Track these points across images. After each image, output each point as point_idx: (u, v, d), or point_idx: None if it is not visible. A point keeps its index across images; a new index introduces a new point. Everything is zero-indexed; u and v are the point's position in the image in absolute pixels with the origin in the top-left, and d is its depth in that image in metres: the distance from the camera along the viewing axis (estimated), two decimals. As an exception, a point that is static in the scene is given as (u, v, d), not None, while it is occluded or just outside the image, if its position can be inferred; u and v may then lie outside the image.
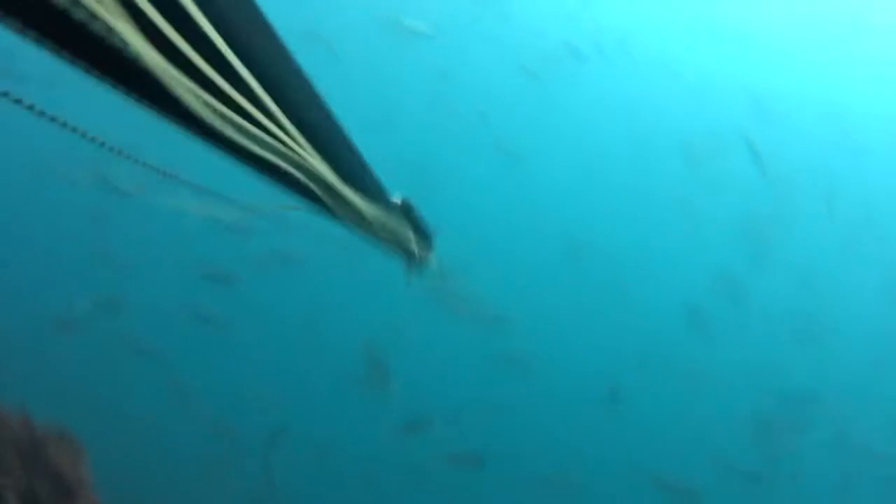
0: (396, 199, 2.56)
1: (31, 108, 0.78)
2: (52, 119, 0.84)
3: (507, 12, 26.57)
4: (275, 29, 1.09)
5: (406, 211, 2.48)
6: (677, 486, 18.16)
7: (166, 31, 0.81)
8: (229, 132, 0.97)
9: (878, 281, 19.97)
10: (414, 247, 2.42)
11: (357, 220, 1.71)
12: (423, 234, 2.59)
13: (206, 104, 0.90)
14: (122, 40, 0.70)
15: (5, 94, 0.76)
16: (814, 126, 24.53)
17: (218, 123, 0.93)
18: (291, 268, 18.03)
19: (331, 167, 1.35)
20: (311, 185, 1.27)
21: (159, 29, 0.82)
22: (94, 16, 0.65)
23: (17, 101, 0.76)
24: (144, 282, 19.23)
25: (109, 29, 0.68)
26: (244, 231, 15.08)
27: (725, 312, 20.72)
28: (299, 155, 1.14)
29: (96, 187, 16.87)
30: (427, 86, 24.46)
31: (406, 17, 17.09)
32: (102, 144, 1.04)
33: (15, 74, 13.25)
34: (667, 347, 22.07)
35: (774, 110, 19.57)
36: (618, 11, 25.50)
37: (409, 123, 24.20)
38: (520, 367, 19.61)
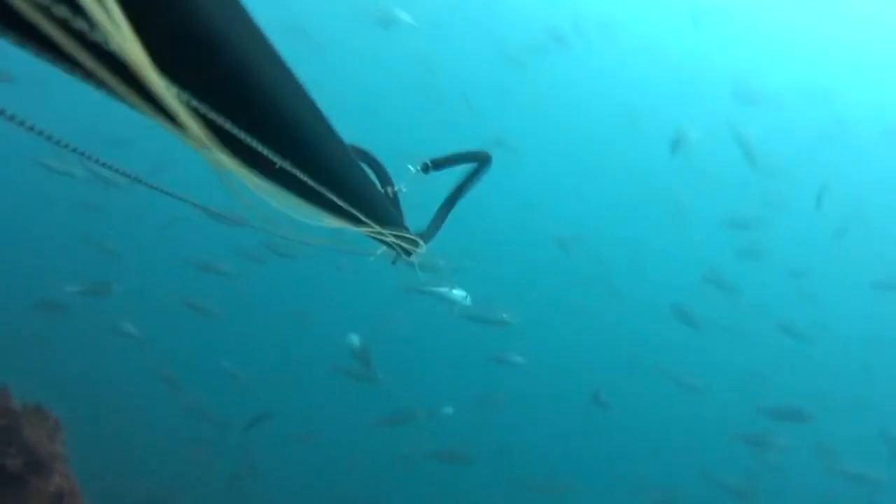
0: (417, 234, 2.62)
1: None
2: (23, 124, 0.80)
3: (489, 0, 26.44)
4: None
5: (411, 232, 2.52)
6: (659, 493, 18.23)
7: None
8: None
9: (868, 279, 19.90)
10: (404, 243, 2.39)
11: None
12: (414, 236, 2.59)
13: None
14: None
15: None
16: (804, 114, 24.40)
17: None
18: (281, 259, 18.06)
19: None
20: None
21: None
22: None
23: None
24: (134, 269, 19.29)
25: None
26: (234, 223, 15.07)
27: (714, 314, 20.64)
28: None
29: (90, 177, 16.92)
30: (411, 75, 24.39)
31: (388, 7, 17.06)
32: (76, 150, 1.01)
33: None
34: (654, 350, 22.08)
35: (763, 98, 19.53)
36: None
37: (393, 113, 24.16)
38: (507, 366, 19.65)
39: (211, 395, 16.34)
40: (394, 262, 2.58)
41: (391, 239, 2.27)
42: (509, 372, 18.17)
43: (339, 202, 1.64)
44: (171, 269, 19.36)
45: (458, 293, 13.06)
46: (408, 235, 2.51)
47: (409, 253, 2.54)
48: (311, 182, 1.38)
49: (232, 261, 18.91)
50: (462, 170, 2.89)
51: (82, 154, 1.04)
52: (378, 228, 2.11)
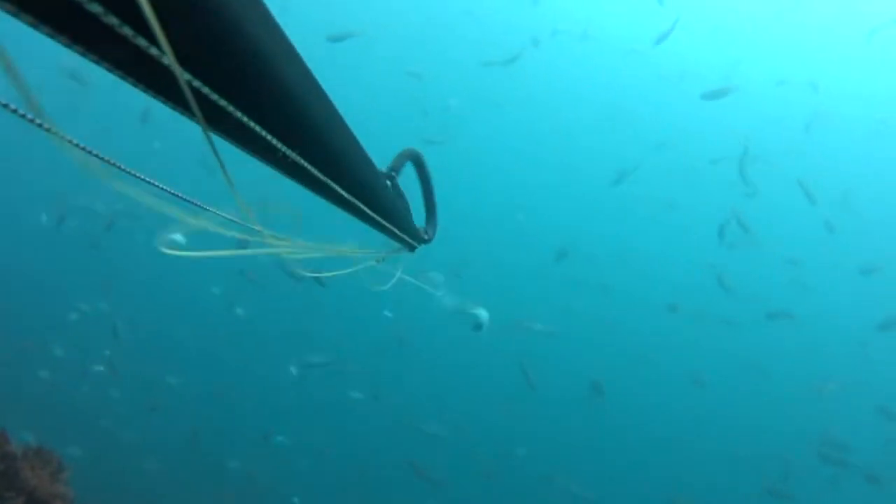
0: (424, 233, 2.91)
1: (31, 119, 0.76)
2: (52, 132, 0.81)
3: (469, 7, 26.48)
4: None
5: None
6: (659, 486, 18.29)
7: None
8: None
9: (858, 267, 19.91)
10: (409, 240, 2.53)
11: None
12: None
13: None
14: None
15: (5, 106, 0.75)
16: (786, 107, 24.37)
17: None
18: (282, 281, 18.11)
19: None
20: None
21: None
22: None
23: (14, 111, 0.75)
24: (134, 303, 19.37)
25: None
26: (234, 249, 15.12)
27: (709, 307, 20.62)
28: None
29: (91, 212, 17.01)
30: (394, 85, 24.43)
31: (370, 20, 17.05)
32: (108, 161, 1.00)
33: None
34: (656, 347, 22.08)
35: (745, 92, 19.55)
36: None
37: (378, 124, 24.15)
38: (509, 369, 19.69)
39: (212, 423, 16.36)
40: (378, 262, 2.62)
41: (407, 239, 2.43)
42: (518, 378, 18.18)
43: (379, 218, 1.85)
44: (163, 298, 19.47)
45: (481, 312, 13.47)
46: (421, 236, 2.78)
47: (413, 249, 2.72)
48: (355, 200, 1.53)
49: (233, 287, 19.01)
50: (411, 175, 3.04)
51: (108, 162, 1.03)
52: (402, 235, 2.32)
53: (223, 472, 15.12)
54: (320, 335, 20.36)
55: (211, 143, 0.86)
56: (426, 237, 2.96)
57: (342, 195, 1.47)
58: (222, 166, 0.92)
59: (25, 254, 21.15)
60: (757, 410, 20.98)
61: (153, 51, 0.70)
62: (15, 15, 0.62)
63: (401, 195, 2.63)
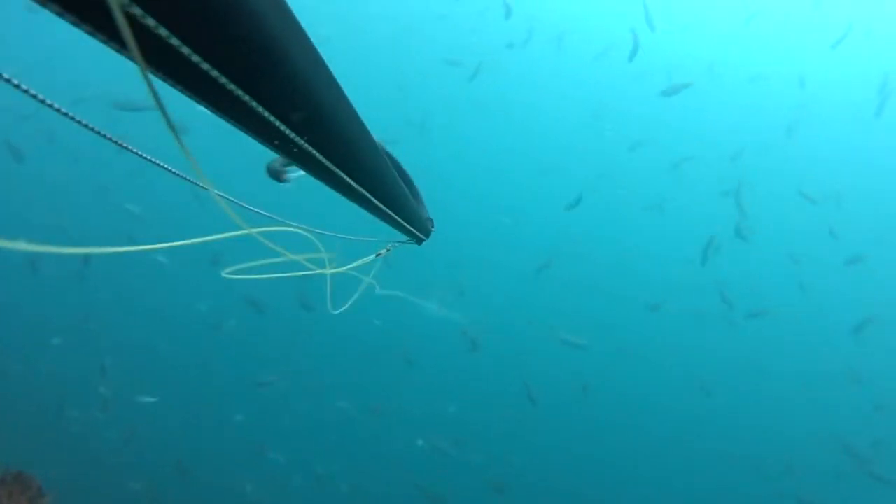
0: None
1: (29, 92, 0.77)
2: (57, 110, 0.82)
3: (444, 11, 26.64)
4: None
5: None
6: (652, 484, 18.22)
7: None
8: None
9: (845, 256, 19.92)
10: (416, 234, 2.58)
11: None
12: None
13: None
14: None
15: (8, 80, 0.75)
16: (770, 103, 24.47)
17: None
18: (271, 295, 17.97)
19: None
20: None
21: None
22: None
23: (17, 86, 0.75)
24: (118, 323, 19.17)
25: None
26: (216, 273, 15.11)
27: (708, 307, 20.59)
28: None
29: (68, 236, 16.78)
30: (374, 92, 24.45)
31: (346, 21, 17.07)
32: (118, 143, 1.00)
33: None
34: (649, 347, 22.02)
35: (728, 91, 19.54)
36: (552, 3, 25.70)
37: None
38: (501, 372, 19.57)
39: (200, 442, 16.12)
40: (378, 255, 2.65)
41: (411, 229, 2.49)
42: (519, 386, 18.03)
43: (399, 219, 1.93)
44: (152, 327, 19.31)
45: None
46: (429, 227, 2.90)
47: (420, 241, 2.79)
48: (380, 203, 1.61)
49: (218, 313, 18.83)
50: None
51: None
52: (415, 231, 2.42)
53: (212, 491, 14.85)
54: (308, 348, 20.18)
55: (148, 82, 0.76)
56: (432, 227, 2.98)
57: (347, 181, 1.45)
58: (163, 111, 0.81)
59: (7, 276, 20.96)
60: (757, 410, 20.89)
61: None
62: None
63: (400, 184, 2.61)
